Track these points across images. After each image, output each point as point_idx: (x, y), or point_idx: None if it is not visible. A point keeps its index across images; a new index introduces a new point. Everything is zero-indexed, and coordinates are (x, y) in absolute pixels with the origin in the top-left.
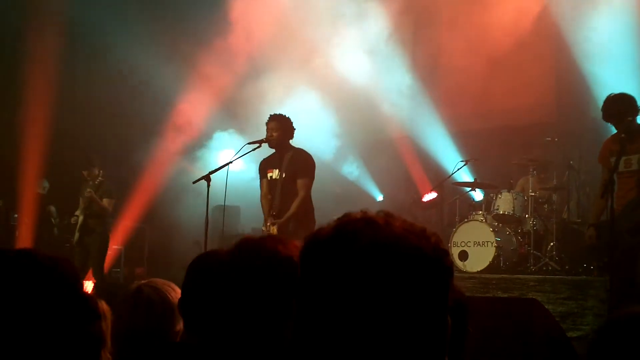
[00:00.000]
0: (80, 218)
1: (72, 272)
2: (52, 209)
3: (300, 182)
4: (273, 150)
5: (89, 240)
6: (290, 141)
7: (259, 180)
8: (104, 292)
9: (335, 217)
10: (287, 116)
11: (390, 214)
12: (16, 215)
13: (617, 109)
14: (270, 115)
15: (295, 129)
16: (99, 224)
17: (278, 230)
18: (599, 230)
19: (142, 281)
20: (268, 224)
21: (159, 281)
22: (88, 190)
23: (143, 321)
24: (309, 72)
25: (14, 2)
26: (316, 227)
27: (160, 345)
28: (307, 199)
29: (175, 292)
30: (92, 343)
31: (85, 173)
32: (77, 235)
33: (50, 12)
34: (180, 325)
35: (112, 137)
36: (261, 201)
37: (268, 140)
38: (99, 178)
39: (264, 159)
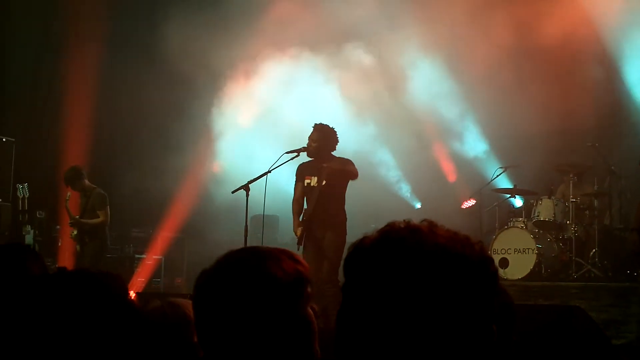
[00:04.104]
0: (75, 232)
1: (122, 286)
2: None
3: (348, 169)
4: None
5: (85, 250)
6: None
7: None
8: (144, 301)
9: (373, 226)
10: (331, 127)
11: (434, 223)
12: (58, 227)
13: None
14: (315, 124)
15: (338, 141)
16: (91, 235)
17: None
18: None
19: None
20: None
21: (179, 300)
22: (73, 234)
23: (153, 336)
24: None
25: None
26: (348, 237)
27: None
28: (343, 204)
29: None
30: (144, 353)
31: (75, 185)
32: (77, 246)
33: (93, 21)
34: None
35: (151, 147)
36: (292, 205)
37: (307, 149)
38: (92, 187)
39: (302, 163)
